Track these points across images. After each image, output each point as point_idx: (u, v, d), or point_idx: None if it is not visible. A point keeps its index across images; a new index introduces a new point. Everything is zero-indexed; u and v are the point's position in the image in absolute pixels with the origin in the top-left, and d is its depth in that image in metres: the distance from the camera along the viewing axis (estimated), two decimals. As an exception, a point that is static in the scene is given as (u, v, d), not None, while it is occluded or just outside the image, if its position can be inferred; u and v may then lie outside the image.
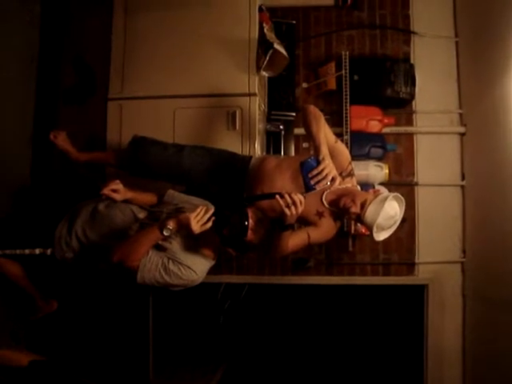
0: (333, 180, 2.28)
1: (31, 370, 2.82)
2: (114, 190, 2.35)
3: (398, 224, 2.41)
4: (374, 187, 3.24)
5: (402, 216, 2.41)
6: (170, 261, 2.14)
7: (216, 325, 3.73)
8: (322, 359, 3.66)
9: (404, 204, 2.41)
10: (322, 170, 2.24)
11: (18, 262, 2.54)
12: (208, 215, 2.07)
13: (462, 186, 3.51)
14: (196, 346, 3.72)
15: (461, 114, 3.55)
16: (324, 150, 2.31)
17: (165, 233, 2.06)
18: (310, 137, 2.48)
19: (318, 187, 2.26)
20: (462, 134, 3.53)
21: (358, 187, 2.58)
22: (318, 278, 3.50)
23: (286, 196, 2.11)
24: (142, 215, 2.33)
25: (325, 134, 2.41)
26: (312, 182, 2.24)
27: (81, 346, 3.34)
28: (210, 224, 2.08)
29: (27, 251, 2.39)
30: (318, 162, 2.26)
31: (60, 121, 3.28)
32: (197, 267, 2.18)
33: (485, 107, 3.20)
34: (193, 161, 2.61)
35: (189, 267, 2.16)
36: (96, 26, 3.25)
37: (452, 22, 3.59)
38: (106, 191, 2.33)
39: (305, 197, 2.16)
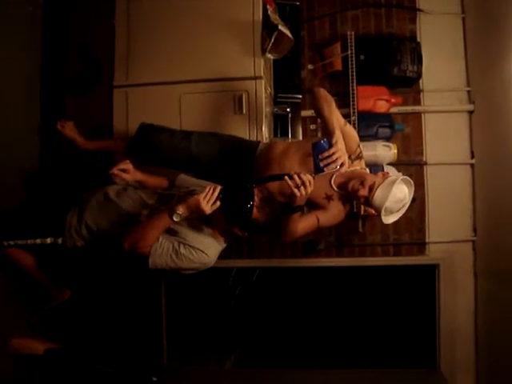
0: (342, 165, 2.28)
1: (47, 358, 2.86)
2: (124, 170, 2.37)
3: (407, 207, 2.39)
4: (382, 168, 3.22)
5: (411, 199, 2.40)
6: (181, 245, 2.14)
7: (228, 309, 3.74)
8: (334, 341, 3.67)
9: (413, 187, 2.40)
10: (333, 154, 2.24)
11: (30, 252, 2.56)
12: (216, 193, 2.07)
13: (472, 165, 3.49)
14: (209, 330, 3.74)
15: (469, 92, 3.52)
16: (337, 134, 2.31)
17: (175, 218, 2.06)
18: (321, 120, 2.48)
19: (327, 170, 2.26)
20: (471, 112, 3.50)
21: (367, 170, 2.58)
22: (328, 260, 3.51)
23: (295, 176, 2.10)
24: (151, 201, 2.33)
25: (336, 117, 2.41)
26: (322, 164, 2.24)
27: (95, 333, 3.38)
28: (219, 203, 2.07)
29: (38, 241, 2.41)
30: (331, 145, 2.26)
31: (66, 110, 3.28)
32: (208, 250, 2.18)
33: (493, 84, 3.17)
34: (201, 147, 2.61)
35: (200, 250, 2.16)
36: (99, 13, 3.22)
37: (459, -3, 3.54)
38: (114, 170, 2.35)
39: (314, 178, 2.16)
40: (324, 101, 2.43)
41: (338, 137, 2.30)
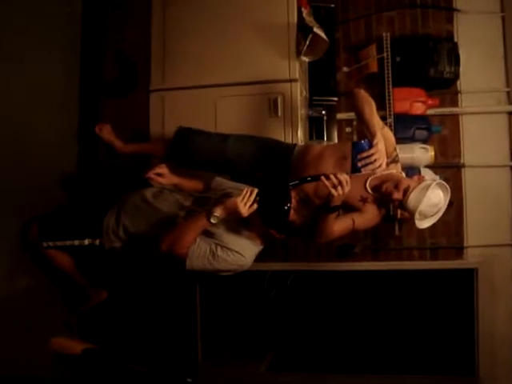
0: (379, 167, 2.28)
1: (85, 358, 2.91)
2: (159, 174, 2.39)
3: (442, 212, 2.35)
4: (419, 170, 3.18)
5: (446, 204, 2.35)
6: (219, 247, 2.16)
7: (263, 312, 3.74)
8: (370, 346, 3.63)
9: (449, 191, 2.35)
10: (372, 155, 2.23)
11: (69, 254, 2.61)
12: (253, 196, 2.07)
13: (511, 167, 3.41)
14: (243, 333, 3.74)
15: (508, 93, 3.44)
16: (379, 136, 2.31)
17: (212, 220, 2.07)
18: (362, 121, 2.47)
19: (364, 170, 2.26)
20: (510, 113, 3.42)
21: (403, 174, 2.56)
22: (364, 263, 3.48)
23: (332, 176, 2.09)
24: (188, 203, 2.35)
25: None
26: (359, 164, 2.24)
27: (131, 334, 3.41)
28: (256, 205, 2.08)
29: (77, 242, 2.45)
30: (371, 146, 2.26)
31: (103, 114, 3.33)
32: (245, 252, 2.19)
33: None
34: (237, 150, 2.63)
35: (237, 252, 2.17)
36: (135, 18, 3.27)
37: (498, -5, 3.47)
38: (150, 174, 2.40)
39: (350, 177, 2.14)
40: (365, 102, 2.44)
41: (379, 139, 2.29)
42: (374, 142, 2.29)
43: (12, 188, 2.69)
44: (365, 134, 2.51)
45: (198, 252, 2.16)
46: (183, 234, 2.14)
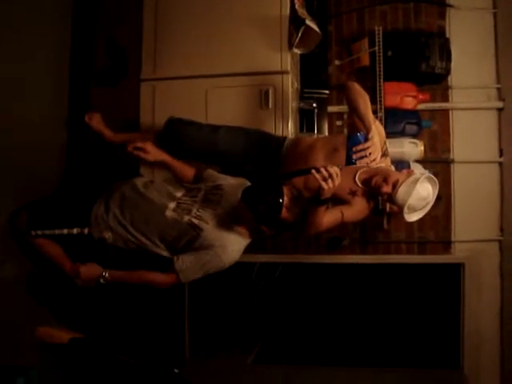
0: (374, 160, 2.30)
1: (72, 347, 2.90)
2: (142, 149, 2.41)
3: (430, 205, 2.39)
4: (409, 165, 3.19)
5: (435, 197, 2.38)
6: (203, 252, 2.18)
7: (250, 304, 3.75)
8: (356, 339, 3.65)
9: (437, 185, 2.38)
10: (368, 148, 2.25)
11: (58, 242, 2.59)
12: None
13: (500, 163, 3.43)
14: (231, 325, 3.75)
15: (499, 89, 3.45)
16: (374, 129, 2.33)
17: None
18: (356, 114, 2.48)
19: (359, 163, 2.28)
20: (500, 109, 3.44)
21: (392, 167, 2.58)
22: (352, 256, 3.48)
23: (322, 169, 2.10)
24: (179, 194, 2.35)
25: None
26: (354, 157, 2.26)
27: (118, 324, 3.41)
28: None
29: (65, 231, 2.43)
30: (366, 139, 2.27)
31: (93, 103, 3.30)
32: (233, 246, 2.20)
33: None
34: (228, 141, 2.63)
35: (225, 247, 2.18)
36: (127, 7, 3.24)
37: (490, -8, 3.48)
38: (130, 147, 2.41)
39: (341, 169, 2.15)
40: (359, 96, 2.45)
41: (374, 132, 2.31)
42: (370, 135, 2.31)
43: (0, 176, 2.67)
44: (355, 126, 2.52)
45: (185, 265, 2.20)
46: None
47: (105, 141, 2.96)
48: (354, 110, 2.51)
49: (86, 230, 2.42)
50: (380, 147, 2.43)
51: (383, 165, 2.49)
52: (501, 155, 3.42)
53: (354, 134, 2.37)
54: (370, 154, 2.32)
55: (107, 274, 2.25)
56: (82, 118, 2.97)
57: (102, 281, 2.26)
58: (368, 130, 2.35)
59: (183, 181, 2.52)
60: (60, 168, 3.13)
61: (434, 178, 2.38)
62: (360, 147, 2.32)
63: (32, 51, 2.93)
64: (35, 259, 2.69)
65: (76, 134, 3.23)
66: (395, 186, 2.29)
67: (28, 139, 2.87)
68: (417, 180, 2.27)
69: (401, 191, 2.27)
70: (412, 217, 2.39)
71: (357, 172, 2.40)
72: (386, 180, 2.31)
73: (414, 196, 2.26)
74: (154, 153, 2.46)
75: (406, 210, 2.30)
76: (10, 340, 2.72)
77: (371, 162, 2.34)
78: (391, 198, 2.34)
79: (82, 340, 2.95)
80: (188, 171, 2.54)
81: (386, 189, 2.30)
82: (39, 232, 2.46)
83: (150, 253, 2.36)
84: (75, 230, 2.43)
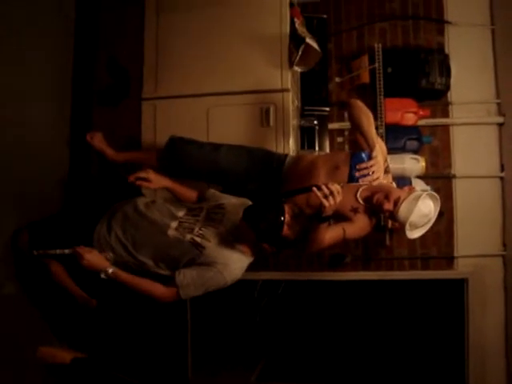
0: (377, 179, 2.31)
1: (74, 367, 2.88)
2: (144, 179, 2.42)
3: (432, 222, 2.38)
4: (410, 181, 3.20)
5: (436, 214, 2.38)
6: (205, 267, 2.17)
7: (253, 322, 3.73)
8: (360, 355, 3.63)
9: (439, 202, 2.38)
10: (371, 166, 2.26)
11: (59, 262, 2.59)
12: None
13: (502, 178, 3.44)
14: (234, 343, 3.73)
15: (498, 104, 3.48)
16: (377, 148, 2.33)
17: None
18: (359, 132, 2.46)
19: (361, 181, 2.28)
20: (501, 124, 3.45)
21: (394, 184, 2.58)
22: (355, 273, 3.48)
23: (323, 187, 2.10)
24: (181, 213, 2.34)
25: None
26: (357, 175, 2.27)
27: (121, 344, 3.39)
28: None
29: (67, 251, 2.42)
30: (370, 158, 2.28)
31: (95, 122, 3.32)
32: (236, 264, 2.19)
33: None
34: (230, 159, 2.63)
35: (227, 265, 2.17)
36: (128, 27, 3.27)
37: (488, 9, 3.51)
38: (132, 177, 2.43)
39: (342, 186, 2.16)
40: (363, 113, 2.45)
41: (377, 151, 2.31)
42: (373, 154, 2.31)
43: (2, 195, 2.67)
44: (358, 144, 2.50)
45: (187, 281, 2.17)
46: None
47: (107, 160, 2.97)
48: (356, 128, 2.50)
49: (88, 250, 2.41)
50: (382, 165, 2.43)
51: (385, 182, 2.48)
52: (502, 170, 3.43)
53: (357, 152, 2.37)
54: (372, 172, 2.32)
55: (111, 271, 2.22)
56: (83, 137, 2.98)
57: (103, 275, 2.23)
58: (371, 149, 2.36)
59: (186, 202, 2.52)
60: (62, 187, 3.13)
61: (436, 194, 2.37)
62: (363, 165, 2.32)
63: (34, 70, 2.95)
64: (36, 278, 2.69)
65: (78, 153, 3.23)
66: (397, 203, 2.29)
67: (30, 158, 2.87)
68: (418, 197, 2.27)
69: (402, 208, 2.27)
70: (414, 234, 2.38)
71: (358, 189, 2.40)
72: (387, 197, 2.31)
73: (416, 213, 2.26)
74: (156, 181, 2.48)
75: (407, 227, 2.30)
76: (13, 361, 2.70)
77: (374, 180, 2.34)
78: (393, 215, 2.34)
79: (84, 360, 2.93)
80: (190, 194, 2.55)
81: (388, 206, 2.30)
82: (41, 251, 2.46)
83: (151, 273, 2.35)
84: (77, 250, 2.42)
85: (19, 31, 2.81)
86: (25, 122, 2.86)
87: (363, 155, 2.35)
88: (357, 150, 2.47)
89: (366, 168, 2.33)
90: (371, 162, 2.33)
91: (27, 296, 2.86)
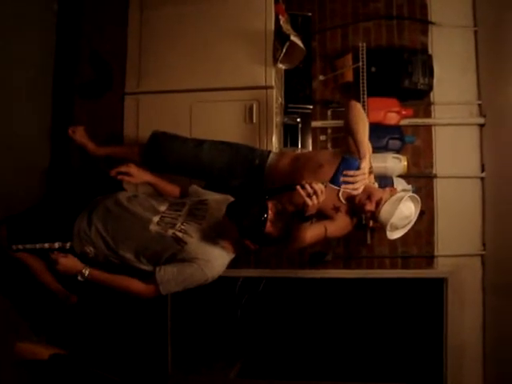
0: (357, 190, 2.30)
1: (52, 363, 2.85)
2: (126, 173, 2.41)
3: (412, 224, 2.42)
4: (392, 180, 3.21)
5: (416, 216, 2.42)
6: (186, 264, 2.16)
7: (234, 319, 3.72)
8: (339, 354, 3.65)
9: (420, 204, 2.41)
10: (357, 177, 2.26)
11: (39, 257, 2.55)
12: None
13: (482, 178, 3.47)
14: (214, 339, 3.72)
15: (480, 105, 3.51)
16: (367, 159, 2.31)
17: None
18: (352, 138, 2.38)
19: (343, 187, 2.29)
20: (482, 125, 3.49)
21: (376, 184, 2.59)
22: (335, 271, 3.50)
23: (307, 186, 2.10)
24: (163, 208, 2.33)
25: None
26: (342, 180, 2.27)
27: (100, 340, 3.36)
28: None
29: (46, 245, 2.40)
30: (358, 168, 2.27)
31: (77, 116, 3.28)
32: (217, 261, 2.18)
33: (505, 97, 3.16)
34: (212, 155, 2.61)
35: (208, 261, 2.16)
36: (112, 21, 3.24)
37: (471, 11, 3.54)
38: (113, 172, 2.41)
39: (325, 186, 2.16)
40: (361, 119, 2.39)
41: (367, 163, 2.30)
42: (362, 165, 2.29)
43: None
44: (349, 146, 2.43)
45: (167, 277, 2.16)
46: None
47: (88, 154, 2.94)
48: (351, 133, 2.40)
49: (67, 245, 2.38)
50: (367, 178, 2.41)
51: (367, 181, 2.48)
52: (482, 170, 3.46)
53: (350, 158, 2.32)
54: (356, 183, 2.31)
55: (87, 272, 2.21)
56: (65, 131, 2.95)
57: (80, 278, 2.21)
58: (361, 158, 2.30)
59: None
60: (43, 181, 3.09)
61: (417, 196, 2.39)
62: (351, 173, 2.31)
63: (15, 63, 2.90)
64: (15, 273, 2.66)
65: (59, 146, 3.20)
66: (378, 204, 2.31)
67: (9, 151, 2.83)
68: (400, 199, 2.29)
69: (384, 210, 2.29)
70: (394, 235, 2.41)
71: (341, 189, 2.41)
72: (369, 198, 2.32)
73: (397, 215, 2.28)
74: (138, 175, 2.47)
75: (388, 228, 2.33)
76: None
77: (355, 191, 2.34)
78: (374, 216, 2.36)
79: (63, 356, 2.91)
80: (173, 190, 2.55)
81: (370, 207, 2.32)
82: (20, 246, 2.43)
83: (131, 267, 2.33)
84: (57, 245, 2.39)
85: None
86: (5, 115, 2.82)
87: (356, 163, 2.31)
88: (348, 153, 2.41)
89: (352, 176, 2.32)
90: (358, 173, 2.29)
91: (5, 291, 2.81)
